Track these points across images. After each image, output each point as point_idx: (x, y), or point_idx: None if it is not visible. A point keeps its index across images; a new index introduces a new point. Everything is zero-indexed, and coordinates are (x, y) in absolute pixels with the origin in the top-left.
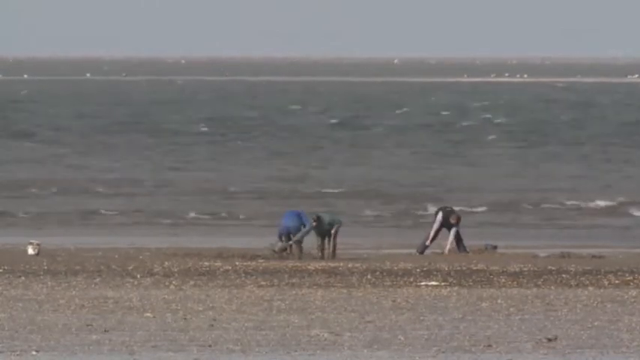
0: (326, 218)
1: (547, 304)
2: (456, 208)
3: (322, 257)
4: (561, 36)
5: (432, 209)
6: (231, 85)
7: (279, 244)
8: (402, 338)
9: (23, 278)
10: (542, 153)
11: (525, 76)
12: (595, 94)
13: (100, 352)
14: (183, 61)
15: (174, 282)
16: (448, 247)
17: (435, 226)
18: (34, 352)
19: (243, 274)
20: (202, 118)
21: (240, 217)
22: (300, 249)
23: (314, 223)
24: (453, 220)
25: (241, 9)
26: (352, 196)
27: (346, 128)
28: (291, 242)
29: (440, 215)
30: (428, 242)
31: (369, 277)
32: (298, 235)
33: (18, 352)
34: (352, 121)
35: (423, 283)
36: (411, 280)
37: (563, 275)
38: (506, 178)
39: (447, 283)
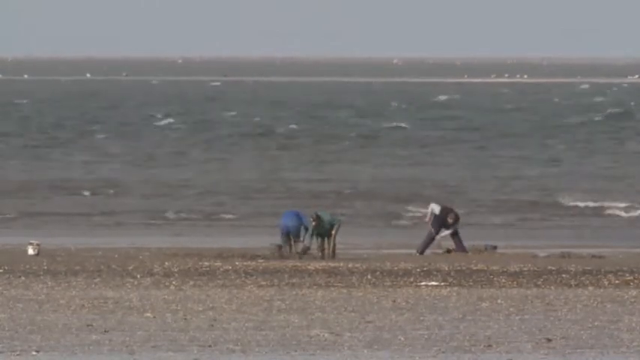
0: (325, 217)
1: (547, 304)
2: (457, 210)
3: (322, 257)
4: (561, 36)
5: (413, 209)
6: (254, 86)
7: (300, 246)
8: (402, 338)
9: (23, 278)
10: (543, 153)
11: (525, 76)
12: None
13: (100, 352)
14: (179, 61)
15: (174, 282)
16: (448, 232)
17: (430, 216)
18: (34, 352)
19: (243, 274)
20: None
21: (238, 216)
22: (291, 248)
23: (313, 223)
24: (450, 220)
25: (241, 9)
26: (356, 197)
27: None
28: (307, 245)
29: (437, 209)
30: (434, 234)
31: (369, 277)
32: (307, 240)
33: (18, 352)
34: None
35: (423, 283)
36: (411, 280)
37: (563, 275)
38: (507, 179)
39: (447, 283)
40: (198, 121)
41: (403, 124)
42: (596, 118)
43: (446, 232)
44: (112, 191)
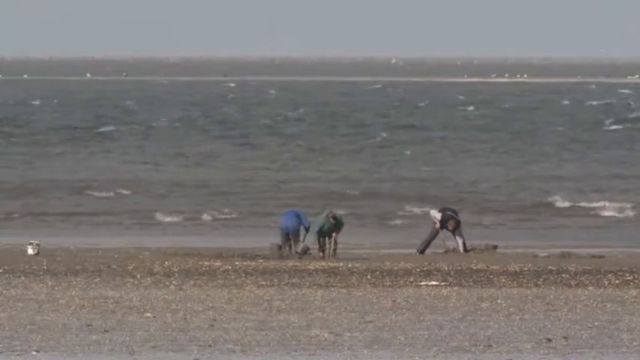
0: (337, 217)
1: (547, 304)
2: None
3: (323, 257)
4: (561, 36)
5: (410, 209)
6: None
7: (301, 246)
8: (402, 338)
9: (23, 278)
10: (543, 153)
11: (525, 76)
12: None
13: (100, 352)
14: (171, 60)
15: (174, 282)
16: (461, 245)
17: (435, 220)
18: (34, 352)
19: (243, 274)
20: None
21: (238, 216)
22: (291, 247)
23: (333, 221)
24: (450, 227)
25: (242, 9)
26: (357, 197)
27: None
28: (307, 245)
29: (439, 216)
30: (439, 231)
31: (369, 277)
32: (307, 240)
33: (18, 352)
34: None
35: (423, 283)
36: (411, 280)
37: (563, 275)
38: (506, 179)
39: (447, 283)
40: (207, 122)
41: (407, 124)
42: (608, 121)
43: (460, 242)
44: (113, 191)
